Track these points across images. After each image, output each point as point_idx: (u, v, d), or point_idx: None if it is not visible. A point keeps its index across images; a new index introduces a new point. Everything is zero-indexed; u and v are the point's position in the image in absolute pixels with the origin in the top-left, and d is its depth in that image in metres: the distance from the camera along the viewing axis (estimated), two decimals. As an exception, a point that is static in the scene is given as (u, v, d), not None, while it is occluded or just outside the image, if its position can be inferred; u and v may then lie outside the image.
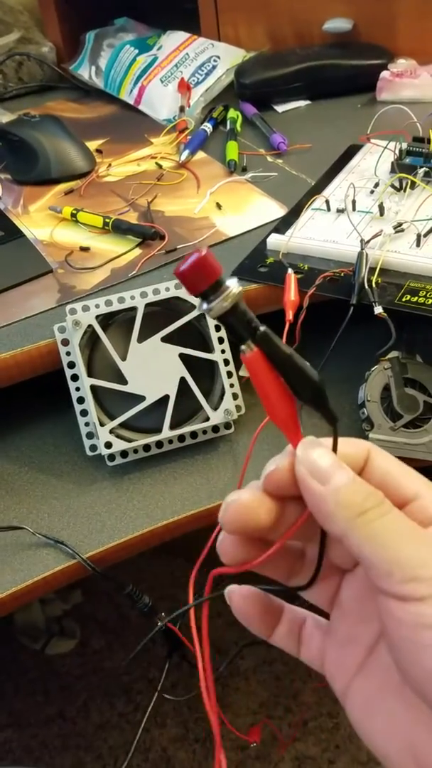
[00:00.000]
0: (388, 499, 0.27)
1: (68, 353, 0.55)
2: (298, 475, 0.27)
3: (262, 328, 0.26)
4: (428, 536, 0.26)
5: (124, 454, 0.55)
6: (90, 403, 0.54)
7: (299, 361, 0.27)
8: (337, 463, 0.27)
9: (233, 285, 0.25)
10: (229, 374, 0.57)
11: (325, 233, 0.61)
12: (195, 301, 0.56)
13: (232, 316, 0.25)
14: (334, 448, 0.28)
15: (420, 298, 0.54)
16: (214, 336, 0.57)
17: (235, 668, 1.04)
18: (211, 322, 0.57)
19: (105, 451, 0.54)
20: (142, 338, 0.55)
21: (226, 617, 1.16)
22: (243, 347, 0.26)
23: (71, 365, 0.55)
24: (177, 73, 0.87)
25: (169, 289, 0.57)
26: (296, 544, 0.32)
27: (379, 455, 0.29)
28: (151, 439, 0.55)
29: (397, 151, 0.66)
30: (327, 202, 0.63)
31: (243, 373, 0.61)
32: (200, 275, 0.25)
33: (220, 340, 0.57)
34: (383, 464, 0.28)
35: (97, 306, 0.56)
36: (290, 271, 0.57)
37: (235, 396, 0.57)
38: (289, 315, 0.55)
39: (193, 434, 0.56)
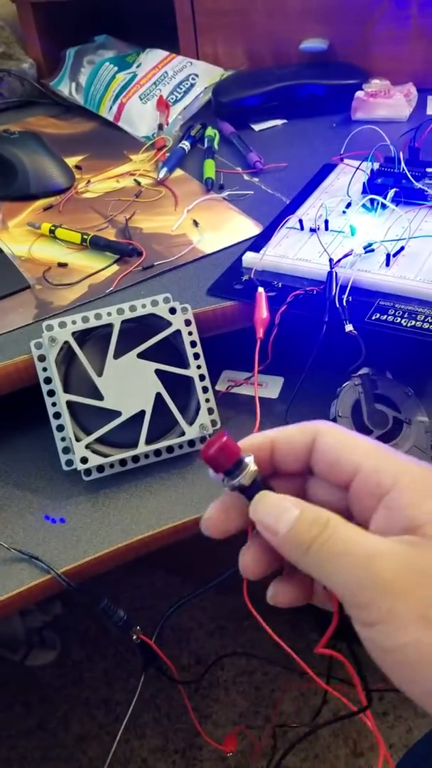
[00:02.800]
0: (339, 475, 0.29)
1: (44, 369, 0.56)
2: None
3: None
4: (366, 549, 0.26)
5: (100, 468, 0.56)
6: (66, 419, 0.55)
7: None
8: (280, 510, 0.29)
9: (251, 463, 0.30)
10: (205, 389, 0.58)
11: (298, 252, 0.62)
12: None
13: (251, 489, 0.30)
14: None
15: (389, 317, 0.55)
16: (190, 352, 0.58)
17: (214, 679, 1.05)
18: (187, 338, 0.58)
19: (81, 466, 0.55)
20: (118, 354, 0.56)
21: (206, 627, 1.17)
22: None
23: (48, 381, 0.56)
24: (156, 90, 0.88)
25: (146, 305, 0.58)
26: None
27: (325, 435, 0.30)
28: (127, 453, 0.56)
29: (368, 172, 0.68)
30: (300, 221, 0.65)
31: (219, 387, 0.63)
32: (224, 456, 0.29)
33: (196, 356, 0.58)
34: (328, 443, 0.30)
35: (73, 322, 0.56)
36: (260, 289, 0.58)
37: (210, 411, 0.58)
38: (260, 332, 0.56)
39: (169, 449, 0.57)
